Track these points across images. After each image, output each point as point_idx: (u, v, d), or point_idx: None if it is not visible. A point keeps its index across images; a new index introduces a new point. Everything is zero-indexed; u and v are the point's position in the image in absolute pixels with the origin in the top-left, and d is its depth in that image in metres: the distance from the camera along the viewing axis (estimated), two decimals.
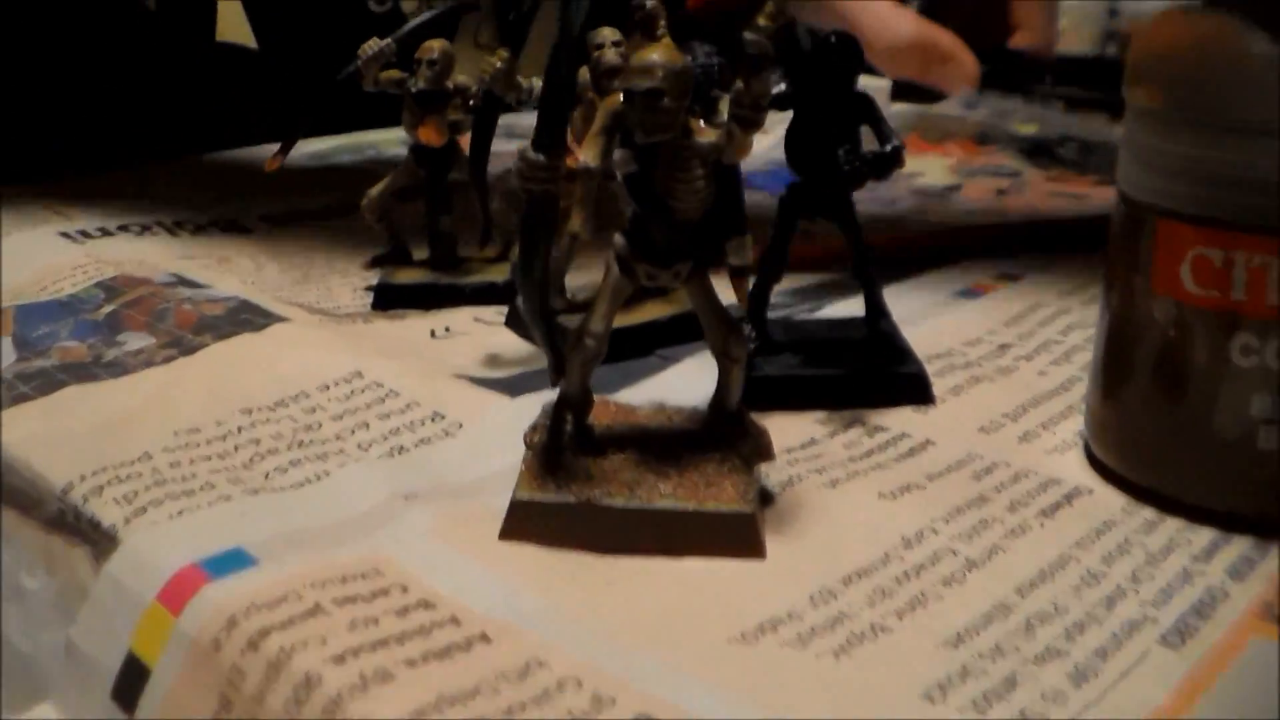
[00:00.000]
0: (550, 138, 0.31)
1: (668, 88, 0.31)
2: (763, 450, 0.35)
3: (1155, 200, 0.35)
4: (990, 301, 0.53)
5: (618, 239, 0.33)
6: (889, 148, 0.40)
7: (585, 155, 0.32)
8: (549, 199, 0.31)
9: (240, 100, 0.88)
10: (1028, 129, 0.89)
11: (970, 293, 0.54)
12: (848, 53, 0.40)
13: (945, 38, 0.72)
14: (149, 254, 0.60)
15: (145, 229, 0.64)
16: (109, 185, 0.73)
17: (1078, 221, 0.64)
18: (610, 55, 0.45)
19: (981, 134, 0.87)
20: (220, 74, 0.88)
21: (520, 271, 0.33)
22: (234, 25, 0.89)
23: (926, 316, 0.51)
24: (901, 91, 0.94)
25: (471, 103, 0.52)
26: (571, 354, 0.34)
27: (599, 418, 0.36)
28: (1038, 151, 0.83)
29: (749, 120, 0.31)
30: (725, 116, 0.32)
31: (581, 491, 0.33)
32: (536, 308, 0.33)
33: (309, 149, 0.84)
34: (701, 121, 0.33)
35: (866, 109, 0.41)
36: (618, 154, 0.32)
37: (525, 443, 0.35)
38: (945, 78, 0.73)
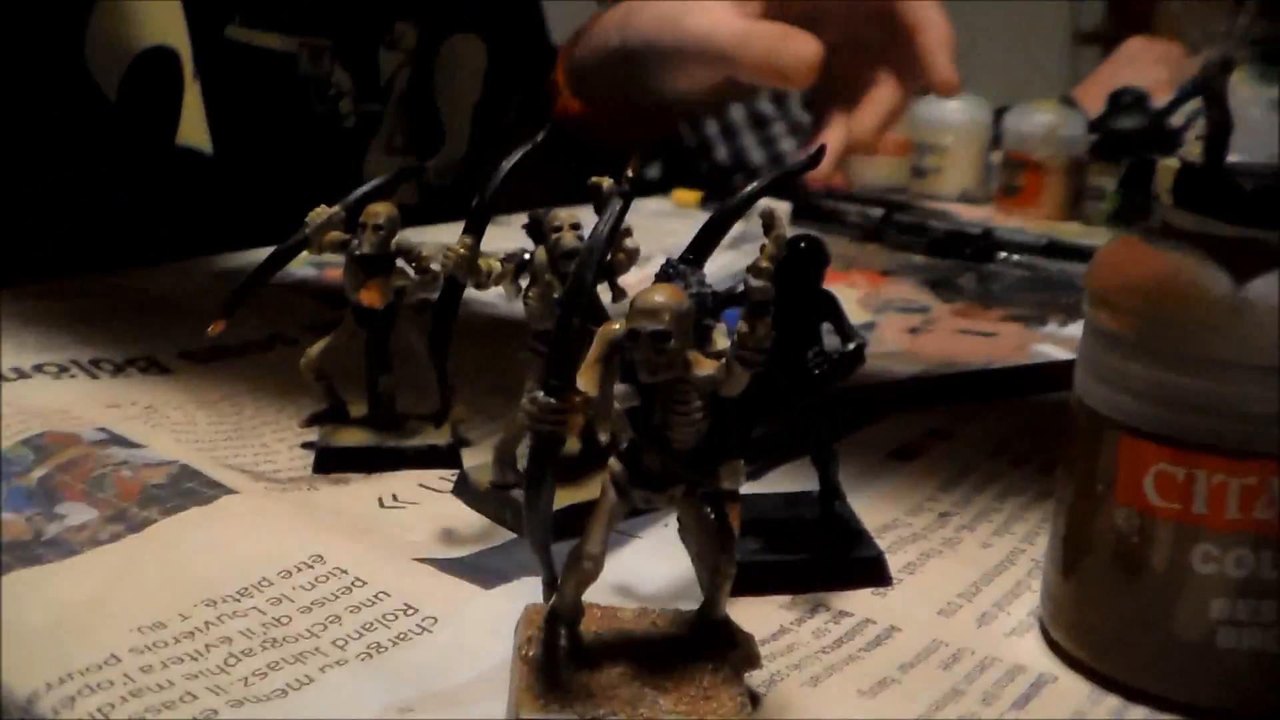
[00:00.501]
0: (560, 381, 0.32)
1: (674, 330, 0.32)
2: (751, 659, 0.36)
3: (1118, 416, 0.37)
4: (925, 464, 0.55)
5: (614, 465, 0.34)
6: (852, 346, 0.42)
7: (584, 385, 0.33)
8: (556, 439, 0.32)
9: (189, 209, 0.87)
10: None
11: (903, 453, 0.56)
12: (815, 254, 0.42)
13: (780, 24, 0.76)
14: (72, 402, 0.58)
15: (62, 369, 0.63)
16: (12, 309, 0.71)
17: (999, 373, 0.67)
18: (568, 239, 0.46)
19: (884, 265, 0.90)
20: (175, 179, 0.86)
21: (526, 504, 0.33)
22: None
23: (866, 483, 0.52)
24: (804, 212, 0.97)
25: (420, 266, 0.52)
26: (568, 573, 0.35)
27: (586, 624, 0.37)
28: (940, 284, 0.86)
29: (751, 361, 0.32)
30: (718, 345, 0.34)
31: (585, 711, 0.34)
32: (540, 539, 0.34)
33: (217, 268, 0.83)
34: (697, 351, 0.34)
35: (829, 307, 0.43)
36: (619, 389, 0.33)
37: (520, 658, 0.36)
38: (788, 60, 0.75)
